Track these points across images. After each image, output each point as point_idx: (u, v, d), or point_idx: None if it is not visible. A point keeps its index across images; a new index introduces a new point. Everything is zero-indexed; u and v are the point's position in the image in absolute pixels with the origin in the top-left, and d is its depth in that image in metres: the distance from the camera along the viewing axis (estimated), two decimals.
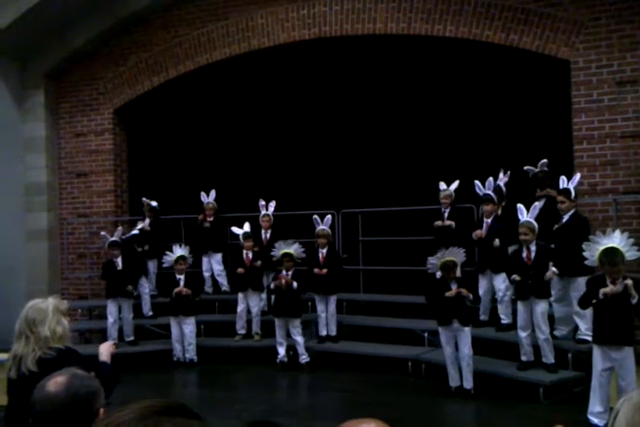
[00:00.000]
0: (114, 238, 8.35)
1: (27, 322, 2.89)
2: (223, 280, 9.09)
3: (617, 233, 5.24)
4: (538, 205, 6.41)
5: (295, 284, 7.57)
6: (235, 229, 8.44)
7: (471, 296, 6.27)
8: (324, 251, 7.93)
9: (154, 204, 9.10)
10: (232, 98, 9.89)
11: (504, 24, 7.61)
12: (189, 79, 9.48)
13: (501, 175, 7.50)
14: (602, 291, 5.08)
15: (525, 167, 7.07)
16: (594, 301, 5.27)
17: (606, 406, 5.11)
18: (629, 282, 4.99)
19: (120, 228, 8.66)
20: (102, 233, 8.68)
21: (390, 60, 9.10)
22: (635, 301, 5.00)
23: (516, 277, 6.24)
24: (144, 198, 9.11)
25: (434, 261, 6.30)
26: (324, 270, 7.77)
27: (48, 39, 9.49)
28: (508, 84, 8.42)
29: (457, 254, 6.32)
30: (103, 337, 8.31)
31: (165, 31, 9.37)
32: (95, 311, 9.49)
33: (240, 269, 8.22)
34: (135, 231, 8.71)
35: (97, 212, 9.82)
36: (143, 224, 8.95)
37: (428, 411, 6.04)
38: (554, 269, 6.16)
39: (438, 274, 6.39)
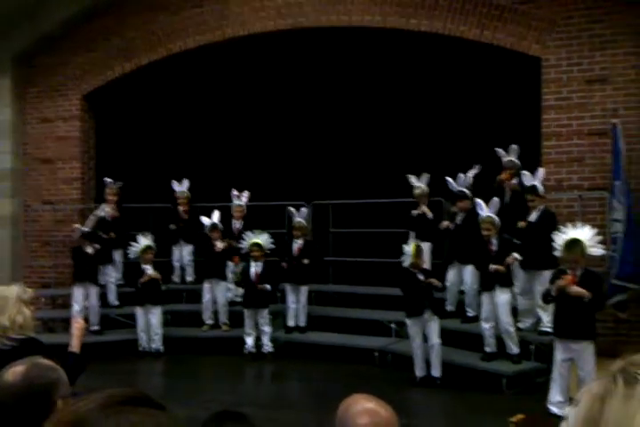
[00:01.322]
0: (86, 229, 8.19)
1: None
2: (190, 270, 9.03)
3: (586, 228, 5.37)
4: (497, 199, 6.51)
5: (268, 286, 7.64)
6: (203, 219, 8.36)
7: (441, 285, 6.57)
8: (300, 242, 7.95)
9: (119, 184, 8.88)
10: (205, 86, 9.77)
11: (478, 20, 7.65)
12: (162, 66, 9.31)
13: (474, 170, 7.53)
14: (554, 287, 5.20)
15: (497, 149, 7.15)
16: (549, 298, 5.42)
17: (566, 396, 5.25)
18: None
19: (92, 216, 8.49)
20: (75, 226, 8.46)
21: (365, 53, 9.08)
22: (587, 300, 5.13)
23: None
24: (107, 178, 8.84)
25: (407, 248, 6.40)
26: (287, 263, 7.92)
27: (16, 22, 9.21)
28: (480, 79, 8.49)
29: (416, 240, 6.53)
30: (67, 326, 8.16)
31: (138, 17, 9.18)
32: (59, 300, 9.33)
33: (218, 247, 8.11)
34: (93, 217, 8.47)
35: (63, 199, 9.62)
36: (102, 211, 8.67)
37: (394, 400, 6.05)
38: (515, 254, 6.28)
39: (406, 264, 6.45)
